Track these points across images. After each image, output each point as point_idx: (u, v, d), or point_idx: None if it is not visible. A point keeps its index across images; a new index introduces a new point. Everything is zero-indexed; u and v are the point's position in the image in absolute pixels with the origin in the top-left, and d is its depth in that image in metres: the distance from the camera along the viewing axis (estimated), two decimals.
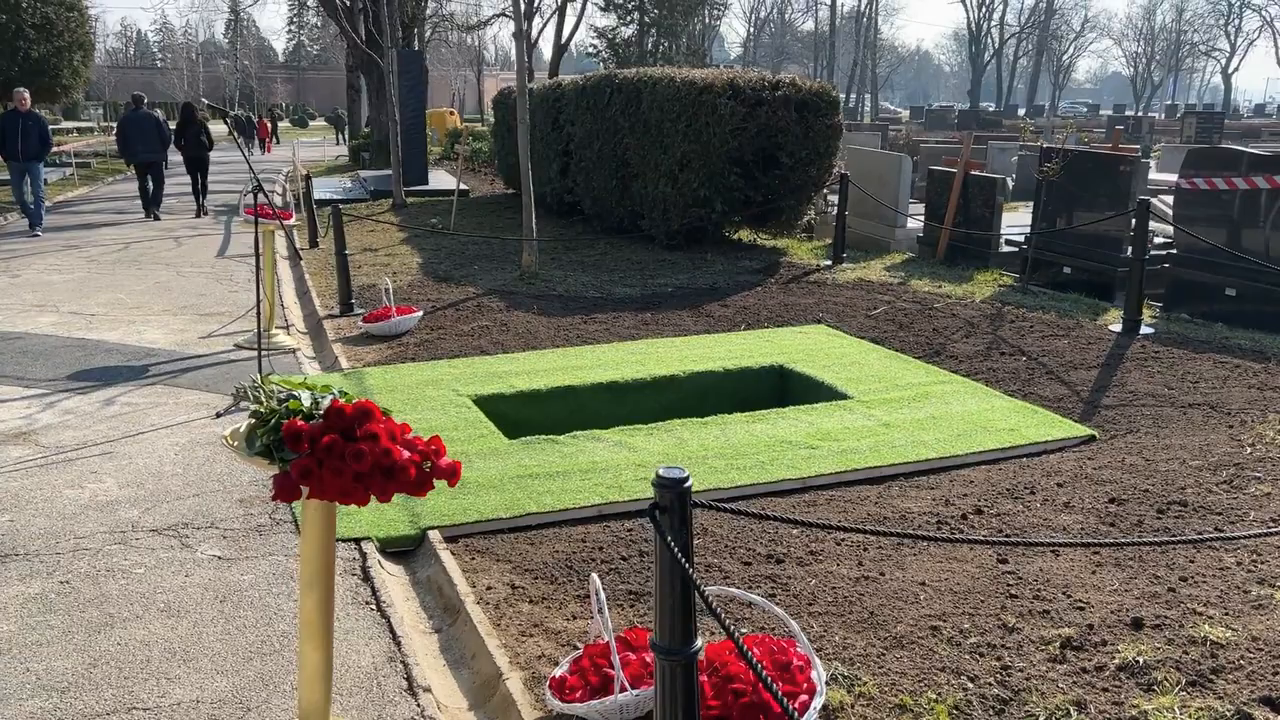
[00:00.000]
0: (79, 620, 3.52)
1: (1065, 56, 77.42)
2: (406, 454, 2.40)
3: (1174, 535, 4.00)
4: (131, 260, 11.57)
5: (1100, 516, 4.25)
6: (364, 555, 4.14)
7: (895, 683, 2.95)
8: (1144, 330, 7.28)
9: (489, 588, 3.88)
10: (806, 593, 3.61)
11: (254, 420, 2.61)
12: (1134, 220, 7.27)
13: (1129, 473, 4.77)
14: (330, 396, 2.53)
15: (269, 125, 30.68)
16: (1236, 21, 72.53)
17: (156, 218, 15.36)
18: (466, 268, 10.61)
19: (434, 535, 4.37)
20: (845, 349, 7.30)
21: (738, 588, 3.77)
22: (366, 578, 3.97)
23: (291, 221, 7.97)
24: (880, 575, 3.73)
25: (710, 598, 2.23)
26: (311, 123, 64.62)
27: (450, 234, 13.03)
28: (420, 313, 8.07)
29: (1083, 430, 5.61)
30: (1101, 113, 54.24)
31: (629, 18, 34.56)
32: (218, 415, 5.81)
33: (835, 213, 11.99)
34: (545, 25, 38.15)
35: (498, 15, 37.27)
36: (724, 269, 10.06)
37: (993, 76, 71.72)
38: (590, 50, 37.63)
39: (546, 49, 37.86)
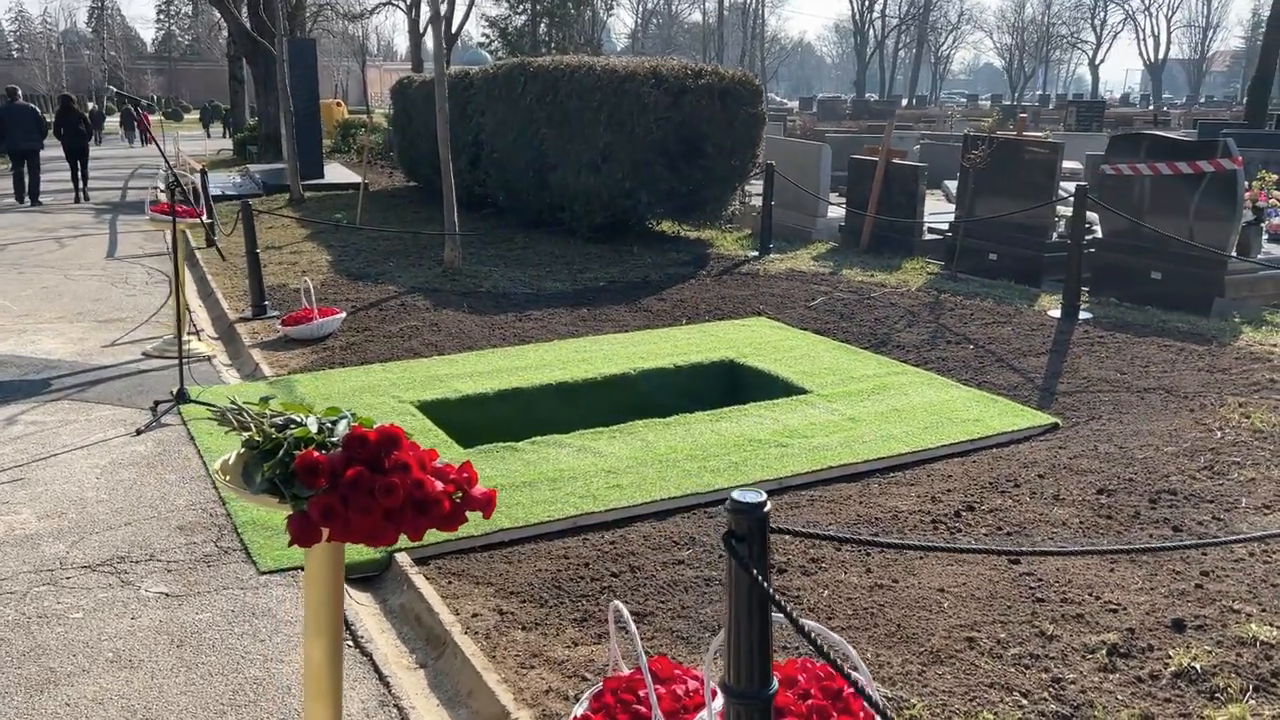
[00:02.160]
0: (15, 679, 3.09)
1: (943, 48, 79.55)
2: (439, 485, 2.09)
3: (1173, 525, 3.93)
4: (11, 263, 10.74)
5: (1094, 509, 4.16)
6: None
7: (945, 703, 2.77)
8: (1083, 315, 7.33)
9: (475, 615, 3.57)
10: (822, 605, 3.41)
11: (247, 450, 2.27)
12: (1072, 207, 7.29)
13: (1106, 462, 4.72)
14: (343, 420, 2.20)
15: (148, 117, 29.16)
16: (1101, 15, 75.62)
17: (38, 203, 14.69)
18: (381, 265, 10.14)
19: (402, 558, 4.03)
20: (792, 341, 7.15)
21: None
22: None
23: (204, 219, 7.43)
24: (894, 583, 3.56)
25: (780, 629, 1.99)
26: (186, 115, 62.02)
27: (357, 229, 12.49)
28: (343, 314, 7.62)
29: (1046, 419, 5.56)
30: (980, 102, 55.85)
31: (520, 7, 33.99)
32: (138, 432, 5.32)
33: (756, 203, 11.90)
34: (434, 14, 37.37)
35: (384, 3, 36.22)
36: (653, 262, 9.83)
37: (875, 67, 73.17)
38: (482, 40, 36.90)
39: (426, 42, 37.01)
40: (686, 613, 3.49)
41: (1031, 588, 3.42)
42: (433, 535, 4.17)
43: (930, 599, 3.39)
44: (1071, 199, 7.59)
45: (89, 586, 3.66)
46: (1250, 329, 6.82)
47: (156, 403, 5.80)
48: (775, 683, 2.17)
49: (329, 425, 2.18)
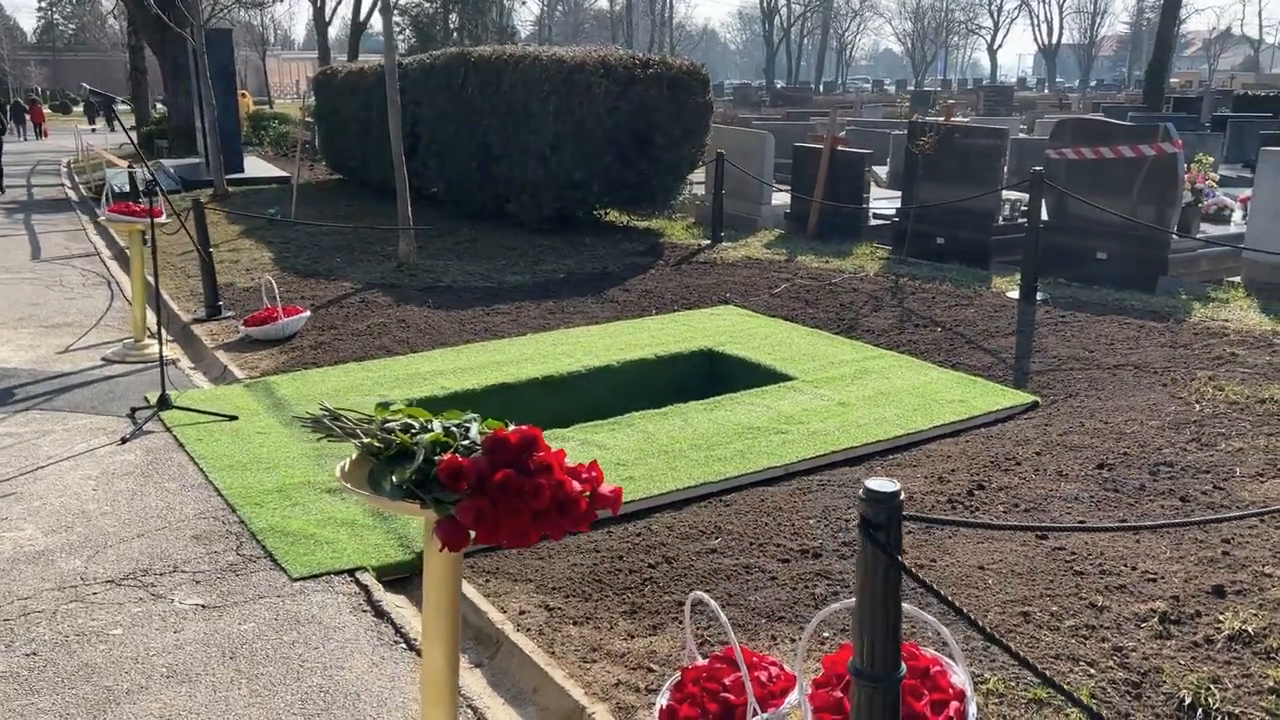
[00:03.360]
0: (73, 699, 2.99)
1: (846, 34, 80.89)
2: (577, 485, 2.10)
3: (1179, 495, 4.12)
4: None
5: (1099, 483, 4.34)
6: (367, 589, 3.73)
7: (1018, 676, 2.87)
8: (1040, 296, 7.57)
9: (522, 612, 3.56)
10: None
11: (366, 456, 2.24)
12: (1030, 191, 7.53)
13: (1097, 437, 4.91)
14: (470, 422, 2.19)
15: (42, 110, 28.02)
16: (998, 1, 77.75)
17: None
18: (328, 260, 9.94)
19: None
20: (765, 329, 7.24)
21: (788, 588, 3.62)
22: (381, 614, 3.57)
23: (163, 219, 7.18)
24: (932, 562, 3.66)
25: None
26: (74, 108, 59.53)
27: (294, 224, 12.20)
28: (308, 313, 7.47)
29: (1026, 397, 5.76)
30: (886, 87, 56.99)
31: None
32: (123, 441, 5.15)
33: (704, 192, 12.00)
34: (341, 2, 36.52)
35: None
36: (608, 253, 9.84)
37: (781, 54, 73.98)
38: (395, 28, 36.31)
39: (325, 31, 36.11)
40: (735, 600, 3.54)
41: (1067, 561, 3.55)
42: None
43: (973, 577, 3.50)
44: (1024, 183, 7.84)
45: (120, 602, 3.55)
46: (1200, 305, 7.14)
47: (134, 409, 5.61)
48: (904, 666, 2.23)
49: (459, 428, 2.17)
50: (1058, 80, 71.15)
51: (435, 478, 2.05)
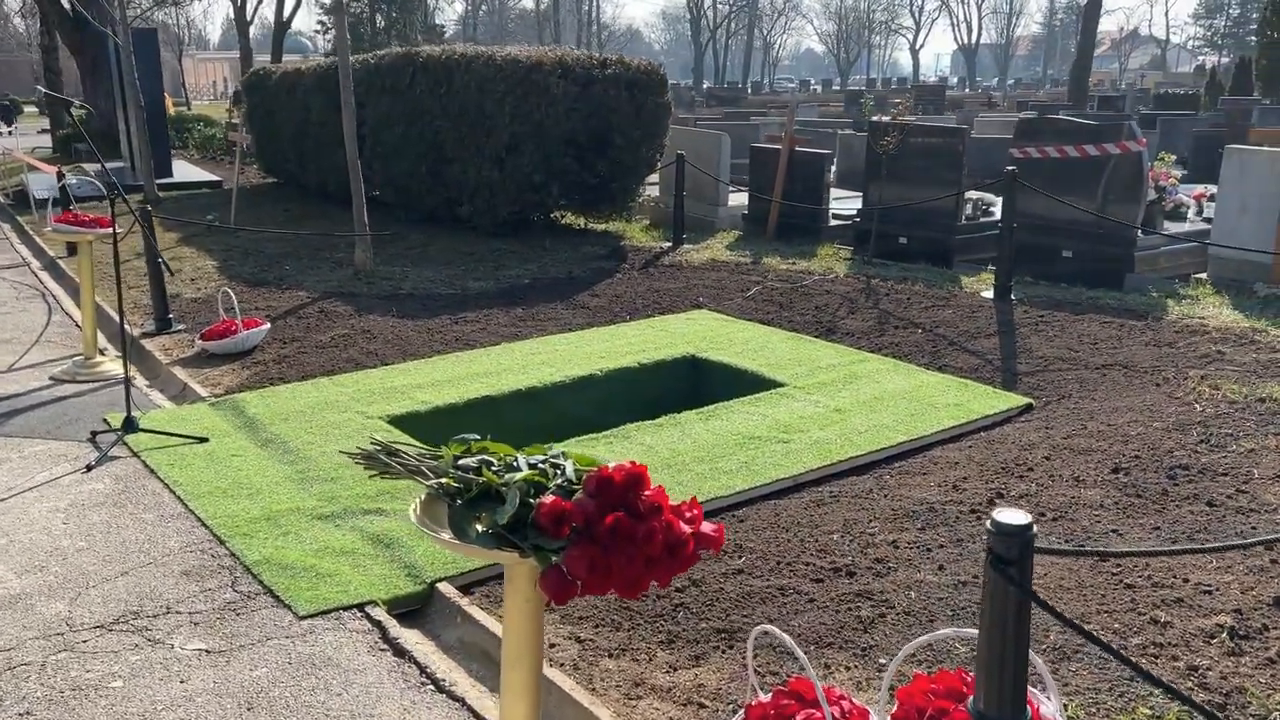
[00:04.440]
0: None
1: (770, 35, 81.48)
2: (685, 526, 1.91)
3: (1206, 500, 4.07)
4: None
5: (1119, 488, 4.28)
6: (381, 625, 3.49)
7: (1096, 700, 2.76)
8: (1014, 295, 7.56)
9: (552, 645, 3.36)
10: (921, 610, 3.37)
11: (440, 495, 2.03)
12: (1003, 191, 7.51)
13: (1104, 440, 4.86)
14: (556, 457, 1.99)
15: None
16: (920, 2, 79.05)
17: None
18: (276, 268, 9.56)
19: (445, 588, 3.77)
20: (744, 333, 7.11)
21: (830, 611, 3.47)
22: (401, 653, 3.34)
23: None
24: (974, 579, 3.54)
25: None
26: None
27: (234, 231, 11.74)
28: (268, 325, 7.13)
29: (1020, 399, 5.71)
30: (813, 87, 57.50)
31: None
32: (89, 469, 4.81)
33: (658, 194, 11.85)
34: (262, 1, 35.54)
35: None
36: (570, 256, 9.62)
37: (707, 54, 74.19)
38: (317, 28, 35.45)
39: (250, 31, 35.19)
40: (776, 626, 3.38)
41: (1114, 574, 3.47)
42: (469, 560, 3.94)
43: None
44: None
45: (114, 649, 3.26)
46: (1174, 303, 7.19)
47: (94, 433, 5.27)
48: (1029, 710, 2.10)
49: (549, 465, 1.97)
50: (977, 79, 72.55)
51: (533, 522, 1.84)
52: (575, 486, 1.90)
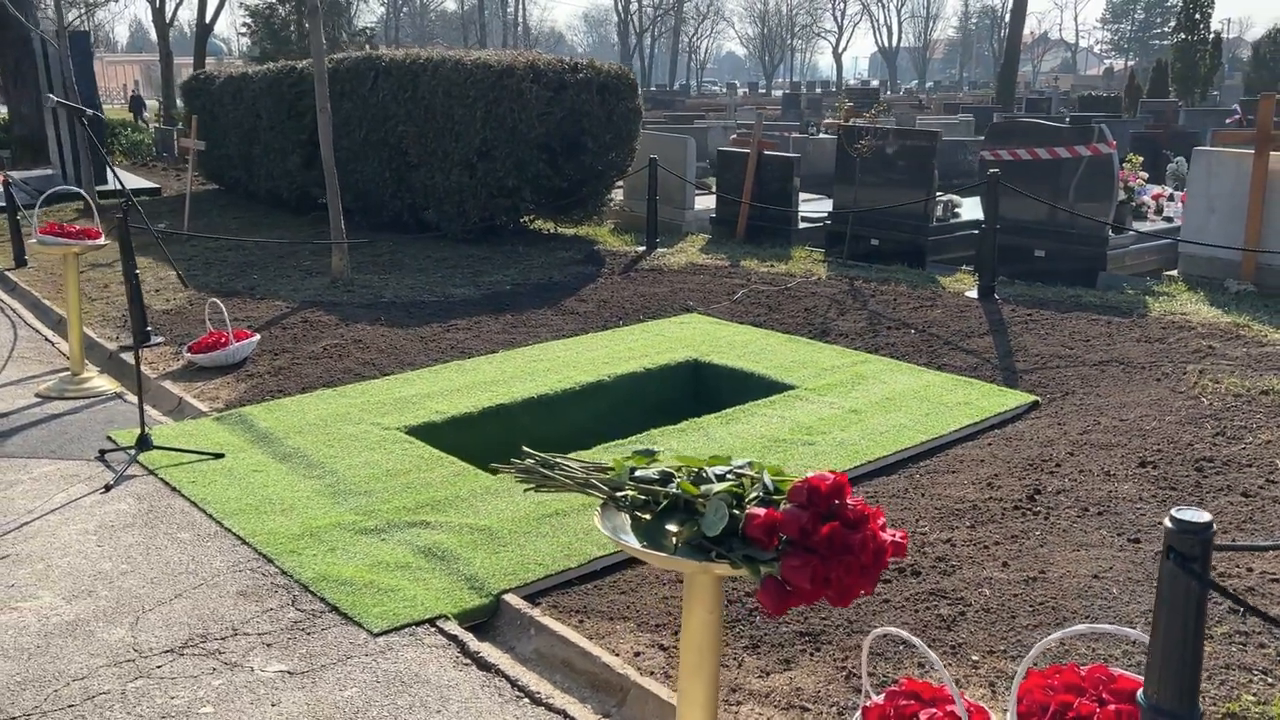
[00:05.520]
0: None
1: (695, 38, 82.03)
2: (884, 534, 1.93)
3: (1240, 491, 4.21)
4: None
5: (1153, 481, 4.41)
6: (458, 640, 3.44)
7: (1201, 689, 2.84)
8: (998, 295, 7.74)
9: (637, 654, 3.35)
10: (999, 607, 3.43)
11: (621, 508, 2.02)
12: (985, 194, 7.68)
13: (1120, 435, 5.00)
14: (745, 468, 2.00)
15: None
16: (842, 5, 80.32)
17: None
18: (244, 278, 9.34)
19: (513, 599, 3.74)
20: (741, 336, 7.15)
21: (908, 611, 3.52)
22: (486, 667, 3.30)
23: (101, 241, 6.57)
24: (1042, 574, 3.63)
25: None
26: None
27: (188, 238, 11.44)
28: (257, 337, 6.96)
29: (1026, 397, 5.84)
30: (741, 91, 58.03)
31: None
32: (108, 488, 4.65)
33: (623, 198, 11.85)
34: (182, 2, 34.66)
35: None
36: (546, 261, 9.58)
37: (634, 59, 74.35)
38: (241, 30, 34.67)
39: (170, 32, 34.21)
40: (856, 627, 3.42)
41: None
42: (526, 570, 3.92)
43: (1094, 587, 3.48)
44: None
45: (193, 674, 3.16)
46: (1152, 300, 7.43)
47: (103, 451, 5.09)
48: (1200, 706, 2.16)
49: (745, 476, 1.97)
50: (898, 82, 73.99)
51: (743, 533, 1.84)
52: (775, 497, 1.90)
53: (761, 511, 1.84)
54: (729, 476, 1.99)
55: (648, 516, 1.98)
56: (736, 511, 1.87)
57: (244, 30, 34.11)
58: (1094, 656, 3.06)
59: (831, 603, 1.88)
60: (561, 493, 2.19)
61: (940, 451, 5.15)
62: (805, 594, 1.83)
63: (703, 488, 1.94)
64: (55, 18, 13.63)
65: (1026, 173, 8.55)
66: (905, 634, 2.64)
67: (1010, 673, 3.06)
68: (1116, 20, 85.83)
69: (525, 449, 2.28)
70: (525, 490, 2.27)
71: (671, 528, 1.94)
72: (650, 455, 2.10)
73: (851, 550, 1.82)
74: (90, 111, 4.70)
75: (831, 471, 1.93)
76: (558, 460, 2.19)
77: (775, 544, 1.84)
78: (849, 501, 1.89)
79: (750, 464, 2.03)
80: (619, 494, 2.02)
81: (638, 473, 2.05)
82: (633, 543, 1.96)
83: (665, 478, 2.02)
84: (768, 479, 1.96)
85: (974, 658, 3.17)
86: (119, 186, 5.10)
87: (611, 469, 2.13)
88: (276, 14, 32.41)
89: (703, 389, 6.57)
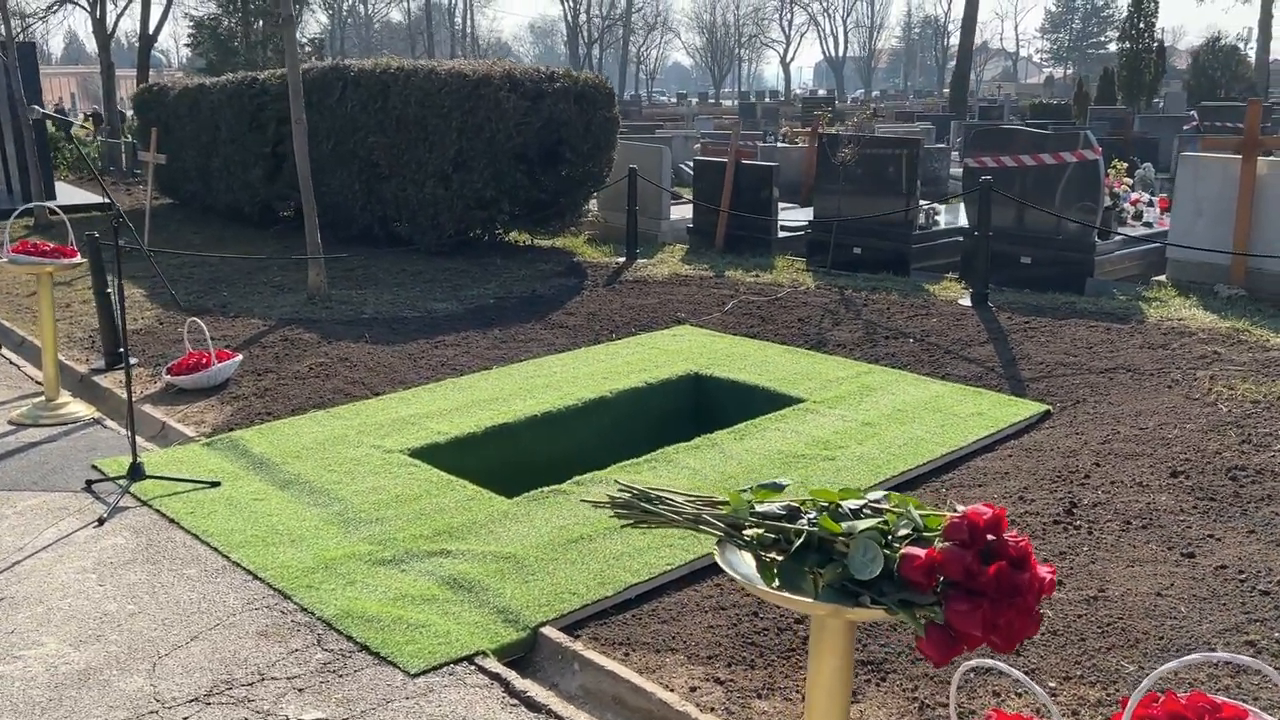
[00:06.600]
0: None
1: (643, 49, 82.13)
2: (1043, 570, 1.79)
3: (1278, 500, 4.15)
4: None
5: (1189, 491, 4.34)
6: (501, 678, 3.25)
7: None
8: (991, 303, 7.69)
9: (693, 689, 3.19)
10: (1065, 629, 3.31)
11: (743, 546, 1.86)
12: (979, 202, 7.64)
13: (1144, 444, 4.94)
14: (879, 499, 1.84)
15: None
16: (789, 16, 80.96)
17: None
18: (215, 295, 9.04)
19: (551, 632, 3.55)
20: (738, 348, 7.02)
21: None
22: (535, 707, 3.11)
23: (77, 260, 6.26)
24: (1101, 593, 3.52)
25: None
26: None
27: (149, 255, 11.05)
28: (239, 357, 6.68)
29: (1038, 406, 5.77)
30: (691, 100, 58.12)
31: (231, 5, 31.53)
32: (101, 522, 4.38)
33: (597, 208, 11.69)
34: (123, 12, 33.87)
35: (62, 1, 32.30)
36: (527, 274, 9.38)
37: (583, 68, 74.02)
38: (187, 40, 33.90)
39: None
40: (911, 653, 3.28)
41: (1239, 580, 3.49)
42: (560, 601, 3.74)
43: (1162, 606, 3.38)
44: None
45: None
46: (1145, 305, 7.42)
47: (90, 482, 4.81)
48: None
49: (884, 508, 1.82)
50: (845, 91, 74.68)
51: (897, 575, 1.69)
52: (927, 534, 1.75)
53: (921, 552, 1.69)
54: (866, 512, 1.84)
55: (778, 556, 1.82)
56: (887, 552, 1.72)
57: (188, 41, 33.38)
58: (1176, 681, 2.95)
59: (996, 649, 1.73)
60: (665, 529, 2.02)
61: (960, 464, 5.05)
62: (973, 640, 1.68)
63: (844, 525, 1.78)
64: (3, 30, 13.18)
65: (1012, 179, 8.53)
66: (1003, 665, 2.50)
67: (1092, 699, 2.94)
68: (1055, 30, 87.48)
69: (618, 482, 2.11)
70: (622, 526, 2.09)
71: (809, 569, 1.78)
72: (777, 489, 1.94)
73: (1020, 591, 1.67)
74: (75, 124, 4.44)
75: (991, 505, 1.78)
76: (660, 494, 2.02)
77: (933, 585, 1.69)
78: (1021, 542, 1.74)
79: (886, 496, 1.88)
80: (742, 532, 1.86)
81: (759, 508, 1.89)
82: (762, 586, 1.80)
83: (791, 513, 1.86)
84: (915, 514, 1.81)
85: (1050, 684, 3.05)
86: (107, 199, 4.80)
87: (726, 503, 1.97)
88: (222, 24, 31.82)
89: (705, 403, 6.43)
